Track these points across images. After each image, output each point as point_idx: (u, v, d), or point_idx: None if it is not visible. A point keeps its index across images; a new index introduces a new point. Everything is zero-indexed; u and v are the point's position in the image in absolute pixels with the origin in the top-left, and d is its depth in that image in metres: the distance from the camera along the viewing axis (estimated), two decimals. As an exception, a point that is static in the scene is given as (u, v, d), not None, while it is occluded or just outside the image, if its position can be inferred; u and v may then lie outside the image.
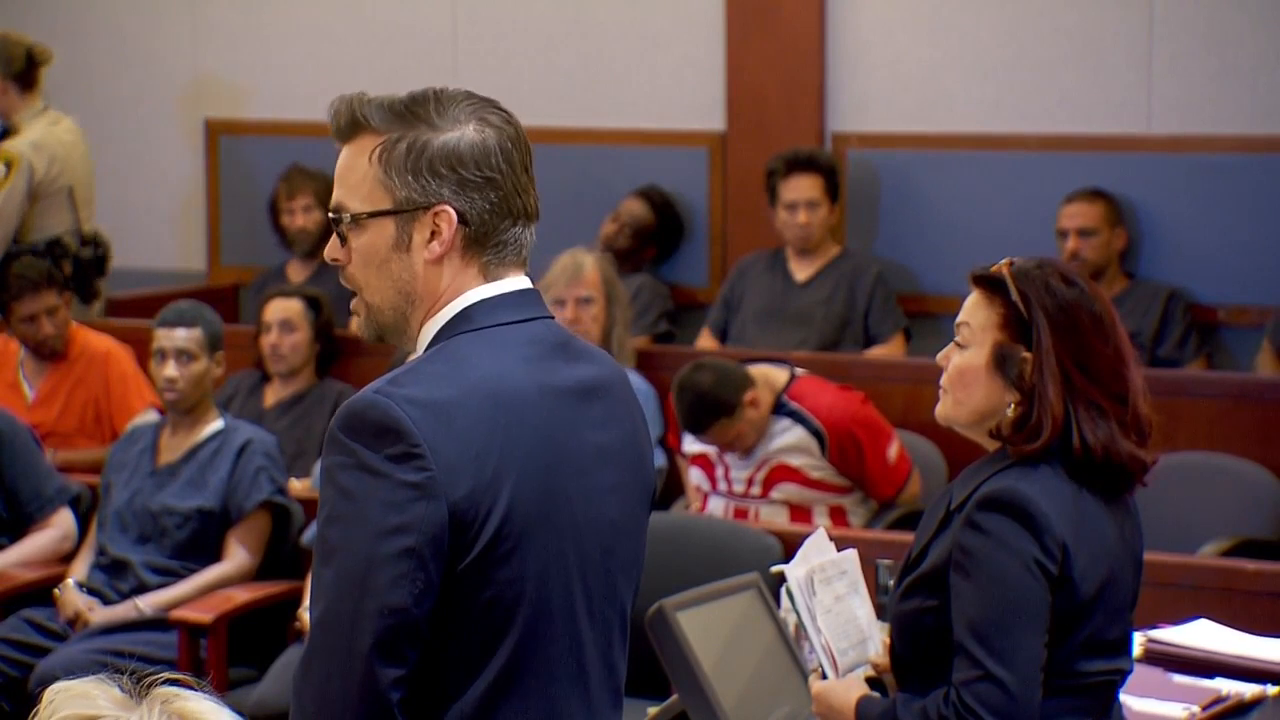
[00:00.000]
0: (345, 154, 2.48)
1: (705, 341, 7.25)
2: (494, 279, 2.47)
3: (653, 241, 7.64)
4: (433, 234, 2.44)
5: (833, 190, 7.15)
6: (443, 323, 2.45)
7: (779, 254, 7.27)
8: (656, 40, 7.84)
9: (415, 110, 2.44)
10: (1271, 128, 6.94)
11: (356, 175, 2.45)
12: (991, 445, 3.19)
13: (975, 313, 3.18)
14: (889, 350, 7.08)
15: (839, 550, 3.64)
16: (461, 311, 2.45)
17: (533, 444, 2.39)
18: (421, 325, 2.47)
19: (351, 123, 2.46)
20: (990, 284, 3.17)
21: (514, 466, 2.36)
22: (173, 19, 8.77)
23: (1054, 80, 7.23)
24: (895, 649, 3.22)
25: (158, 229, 8.85)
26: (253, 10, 8.62)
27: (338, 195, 2.48)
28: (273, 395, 6.76)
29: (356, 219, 2.45)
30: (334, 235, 2.49)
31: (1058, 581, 3.06)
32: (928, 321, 7.32)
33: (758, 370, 5.97)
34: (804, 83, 7.52)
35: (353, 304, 2.52)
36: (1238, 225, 6.93)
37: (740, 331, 7.21)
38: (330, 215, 2.49)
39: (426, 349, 2.46)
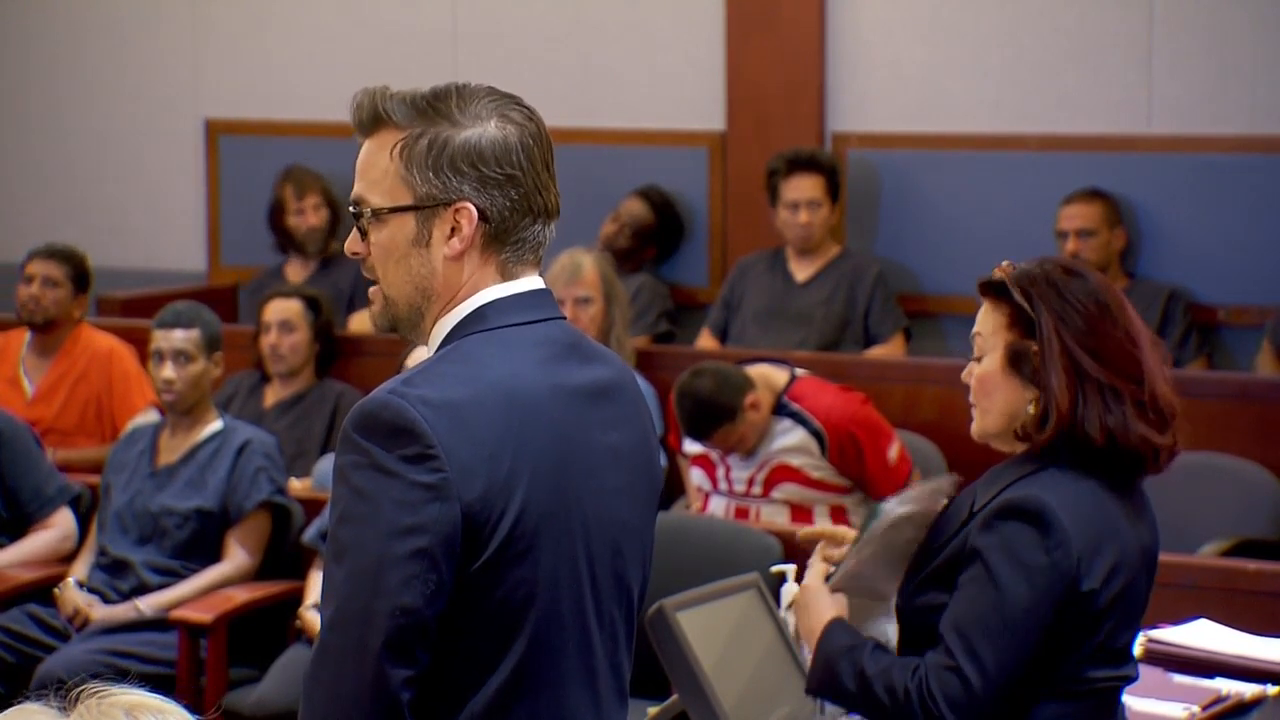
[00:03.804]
0: (367, 148, 2.47)
1: (705, 341, 7.25)
2: (511, 277, 2.46)
3: (653, 241, 7.64)
4: (453, 230, 2.43)
5: (833, 190, 7.16)
6: (456, 321, 2.45)
7: (779, 254, 7.27)
8: (656, 40, 7.84)
9: (437, 106, 2.43)
10: (1271, 128, 6.94)
11: (378, 170, 2.45)
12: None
13: (985, 320, 3.19)
14: (889, 350, 7.08)
15: None
16: (475, 310, 2.44)
17: (545, 445, 2.38)
18: (435, 321, 2.47)
19: (374, 117, 2.45)
20: (994, 288, 3.18)
21: (527, 467, 2.36)
22: (173, 19, 8.77)
23: (1054, 80, 7.23)
24: (902, 644, 3.22)
25: (158, 229, 8.85)
26: (253, 10, 8.63)
27: (358, 189, 2.47)
28: (272, 396, 6.76)
29: (377, 214, 2.44)
30: (354, 229, 2.48)
31: (1067, 596, 3.06)
32: (928, 321, 7.32)
33: (757, 371, 5.97)
34: (804, 83, 7.52)
35: (370, 292, 2.51)
36: (1238, 225, 6.93)
37: (740, 332, 7.21)
38: (351, 209, 2.48)
39: (440, 347, 2.45)
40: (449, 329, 2.45)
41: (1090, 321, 3.11)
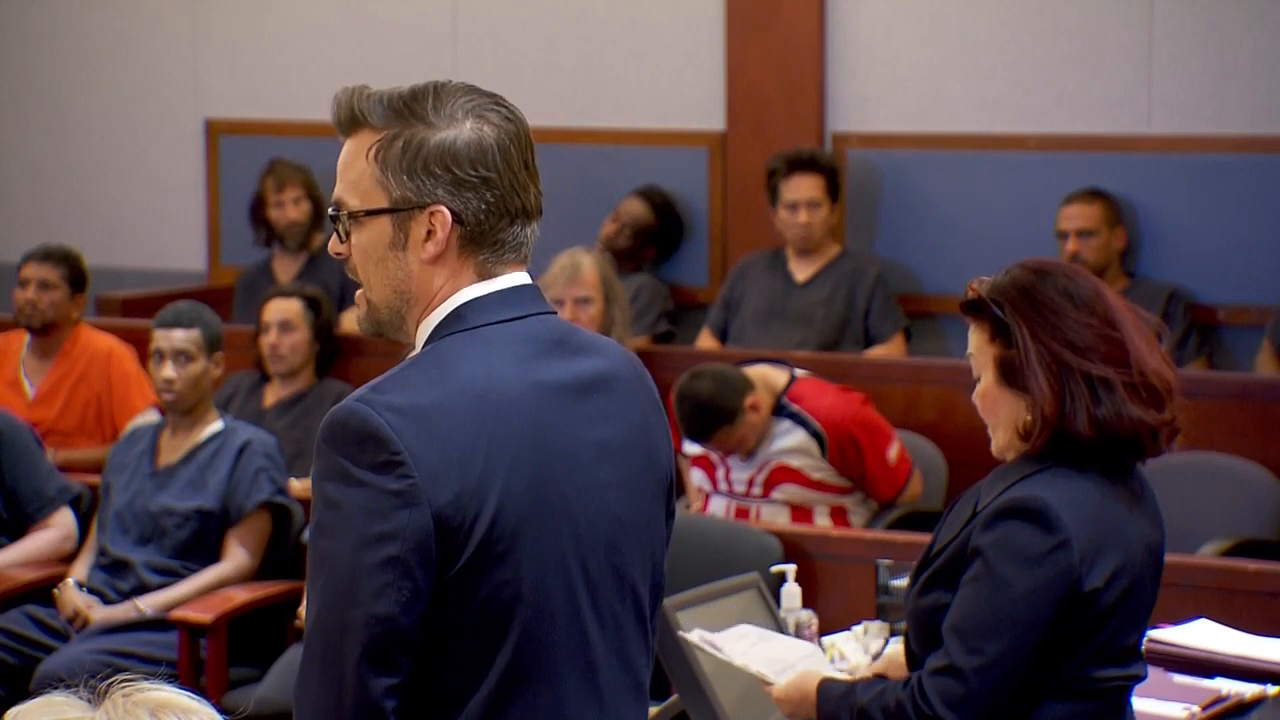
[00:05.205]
0: (346, 148, 2.46)
1: (705, 341, 7.25)
2: (490, 277, 2.45)
3: (653, 241, 7.64)
4: (428, 233, 2.42)
5: (833, 190, 7.16)
6: (435, 323, 2.44)
7: (779, 254, 7.27)
8: (656, 40, 7.84)
9: (413, 107, 2.41)
10: (1271, 128, 6.94)
11: (355, 172, 2.44)
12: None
13: (972, 339, 3.21)
14: (889, 350, 7.08)
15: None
16: (454, 311, 2.43)
17: (522, 444, 2.37)
18: (417, 324, 2.46)
19: (351, 118, 2.44)
20: (972, 307, 3.19)
21: (502, 468, 2.34)
22: (173, 19, 8.77)
23: (1054, 80, 7.23)
24: (909, 645, 3.22)
25: (158, 229, 8.85)
26: (253, 10, 8.62)
27: (338, 190, 2.46)
28: (272, 395, 6.76)
29: (354, 216, 2.44)
30: (335, 230, 2.48)
31: (1069, 595, 3.05)
32: (928, 321, 7.32)
33: (757, 372, 5.97)
34: (804, 83, 7.52)
35: (356, 296, 2.51)
36: (1238, 225, 6.93)
37: (740, 332, 7.21)
38: (330, 211, 2.48)
39: (421, 349, 2.44)
40: (429, 331, 2.44)
41: (1063, 316, 3.11)
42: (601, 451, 2.45)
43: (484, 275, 2.44)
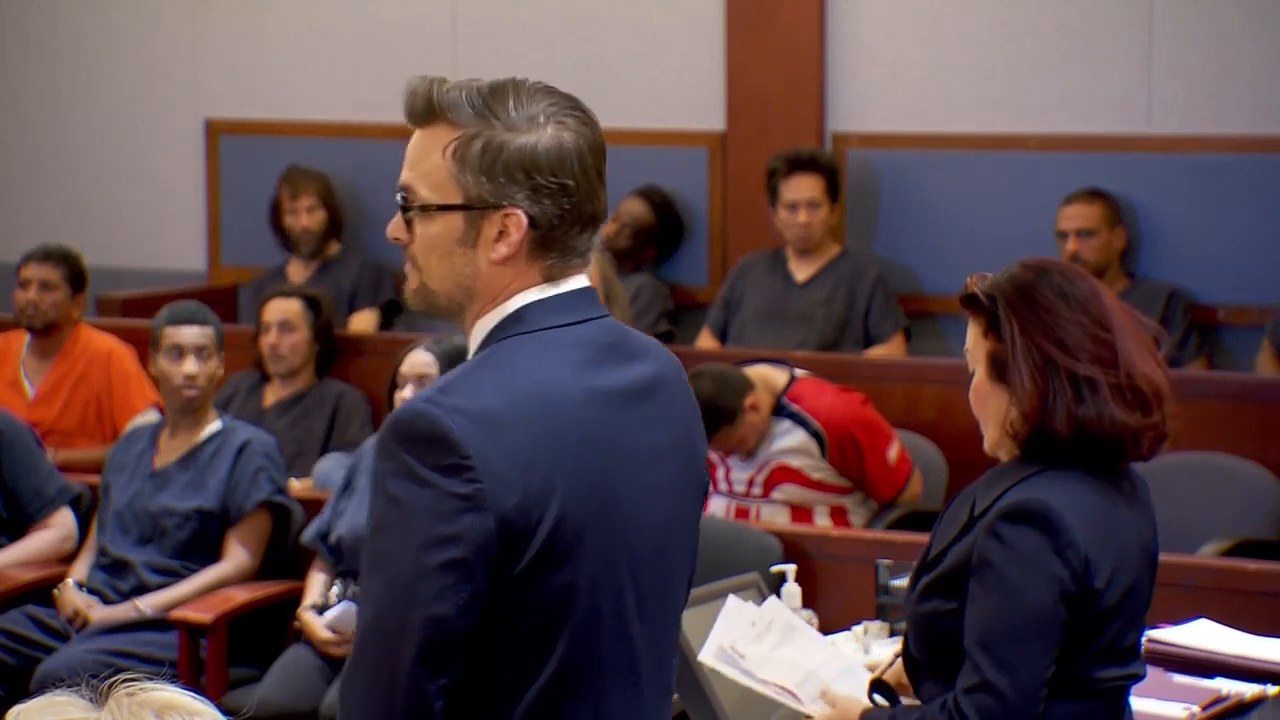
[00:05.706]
0: (418, 138, 2.44)
1: (705, 341, 7.25)
2: (555, 280, 2.44)
3: (653, 241, 7.64)
4: (500, 234, 2.41)
5: (833, 190, 7.16)
6: (495, 322, 2.43)
7: (779, 254, 7.27)
8: (656, 40, 7.84)
9: (493, 106, 2.40)
10: (1271, 128, 6.94)
11: (429, 164, 2.42)
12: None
13: (969, 335, 3.21)
14: (889, 350, 7.08)
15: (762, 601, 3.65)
16: (514, 313, 2.42)
17: (583, 450, 2.37)
18: (476, 320, 2.45)
19: (427, 110, 2.43)
20: (969, 301, 3.19)
21: (563, 474, 2.34)
22: (173, 19, 8.77)
23: (1054, 80, 7.23)
24: (909, 650, 3.22)
25: (158, 229, 8.85)
26: (253, 10, 8.62)
27: (407, 177, 2.44)
28: (272, 395, 6.76)
29: (426, 209, 2.43)
30: (398, 214, 2.46)
31: (1078, 595, 3.06)
32: (928, 321, 7.32)
33: (757, 372, 5.97)
34: (804, 83, 7.52)
35: (408, 271, 2.49)
36: (1238, 225, 6.93)
37: (740, 331, 7.21)
38: (399, 198, 2.46)
39: (478, 349, 2.44)
40: (488, 330, 2.44)
41: (1056, 314, 3.11)
42: (654, 455, 2.46)
43: (549, 278, 2.44)
